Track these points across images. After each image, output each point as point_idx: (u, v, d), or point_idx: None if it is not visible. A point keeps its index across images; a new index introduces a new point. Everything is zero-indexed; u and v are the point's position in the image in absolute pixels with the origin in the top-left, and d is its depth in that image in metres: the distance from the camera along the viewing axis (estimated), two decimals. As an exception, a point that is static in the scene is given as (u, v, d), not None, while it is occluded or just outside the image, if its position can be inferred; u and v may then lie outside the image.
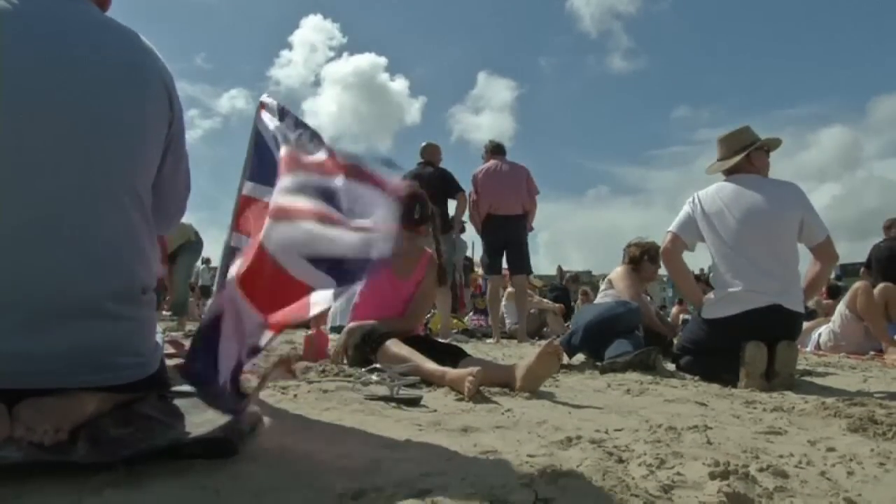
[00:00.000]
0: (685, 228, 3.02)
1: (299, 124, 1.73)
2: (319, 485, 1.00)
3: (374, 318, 2.72)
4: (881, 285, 4.96)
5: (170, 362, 1.46)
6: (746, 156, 3.01)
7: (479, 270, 8.28)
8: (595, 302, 4.11)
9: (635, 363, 2.99)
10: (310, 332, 3.27)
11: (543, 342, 2.24)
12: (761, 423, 1.73)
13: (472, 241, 9.53)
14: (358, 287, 1.18)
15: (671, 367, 3.15)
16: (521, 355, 3.44)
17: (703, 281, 5.56)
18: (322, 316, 2.83)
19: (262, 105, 1.93)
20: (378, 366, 2.24)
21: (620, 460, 1.20)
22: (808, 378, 3.07)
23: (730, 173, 3.06)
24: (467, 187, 5.86)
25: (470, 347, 3.85)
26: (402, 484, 0.99)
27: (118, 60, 1.22)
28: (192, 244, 6.69)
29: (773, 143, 3.12)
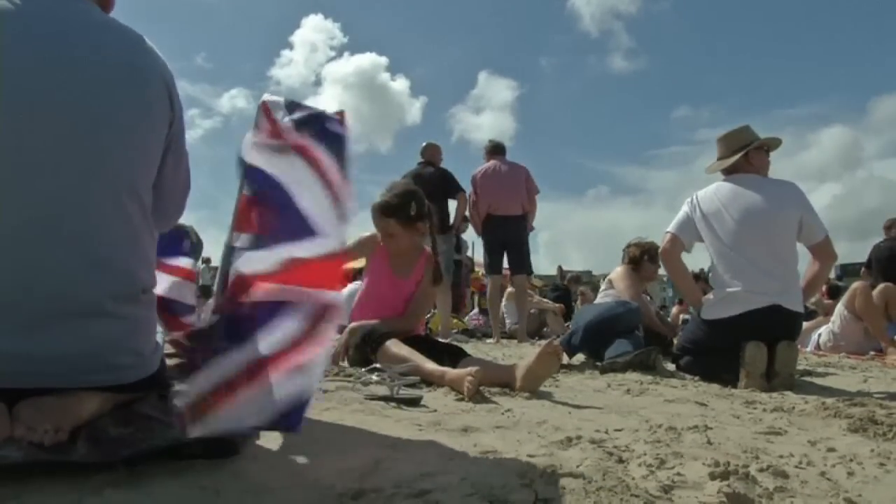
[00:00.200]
0: (684, 229, 3.01)
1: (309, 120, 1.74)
2: (319, 485, 1.00)
3: (374, 318, 2.72)
4: (881, 285, 4.96)
5: (170, 362, 1.46)
6: (745, 155, 3.01)
7: (481, 270, 8.29)
8: (595, 302, 4.11)
9: (635, 363, 2.99)
10: None
11: (543, 342, 2.24)
12: (761, 423, 1.73)
13: (472, 241, 9.53)
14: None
15: (671, 367, 3.15)
16: (521, 355, 3.44)
17: (703, 280, 5.56)
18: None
19: (264, 105, 1.93)
20: (378, 366, 2.24)
21: (620, 460, 1.20)
22: (808, 378, 3.07)
23: (728, 173, 3.06)
24: (468, 187, 5.86)
25: (470, 347, 3.85)
26: (402, 484, 0.99)
27: (119, 60, 1.22)
28: (193, 244, 6.70)
29: (773, 143, 3.12)
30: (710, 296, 2.99)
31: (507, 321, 6.82)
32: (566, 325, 6.72)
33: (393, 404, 1.80)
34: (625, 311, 3.45)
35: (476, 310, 8.49)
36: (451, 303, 6.05)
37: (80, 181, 1.14)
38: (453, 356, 2.44)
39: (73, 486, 0.93)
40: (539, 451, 1.26)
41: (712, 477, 1.07)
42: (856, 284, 5.09)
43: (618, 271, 4.07)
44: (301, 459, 1.17)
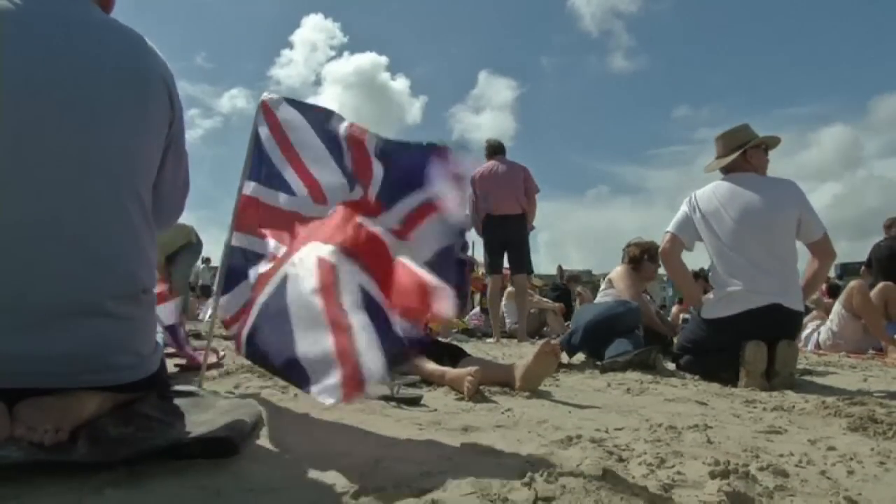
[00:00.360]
0: (683, 228, 3.01)
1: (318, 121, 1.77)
2: (319, 484, 1.00)
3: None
4: (881, 284, 4.96)
5: (171, 361, 1.46)
6: (743, 154, 3.00)
7: (481, 270, 8.28)
8: (595, 301, 4.11)
9: (635, 363, 2.99)
10: None
11: (543, 342, 2.24)
12: (761, 422, 1.73)
13: (472, 241, 9.51)
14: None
15: (671, 366, 3.15)
16: (521, 355, 3.44)
17: (703, 279, 5.56)
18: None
19: (264, 104, 1.93)
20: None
21: (621, 459, 1.20)
22: (808, 377, 3.07)
23: (727, 172, 3.05)
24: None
25: (470, 347, 3.85)
26: (402, 483, 0.99)
27: (119, 60, 1.22)
28: (193, 245, 6.70)
29: (772, 142, 3.11)
30: (711, 295, 2.98)
31: (507, 321, 6.81)
32: (566, 324, 6.72)
33: (393, 404, 1.80)
34: (625, 311, 3.44)
35: (477, 309, 8.49)
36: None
37: (81, 181, 1.14)
38: (453, 356, 2.44)
39: (74, 485, 0.93)
40: (539, 451, 1.27)
41: (712, 476, 1.07)
42: (852, 284, 5.09)
43: (618, 271, 4.06)
44: (301, 459, 1.16)
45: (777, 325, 2.71)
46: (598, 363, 3.19)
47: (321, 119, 1.78)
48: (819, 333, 5.22)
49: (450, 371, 2.15)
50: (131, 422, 1.12)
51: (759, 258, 2.77)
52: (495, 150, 5.90)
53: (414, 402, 1.84)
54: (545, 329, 7.19)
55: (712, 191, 2.98)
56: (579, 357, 3.62)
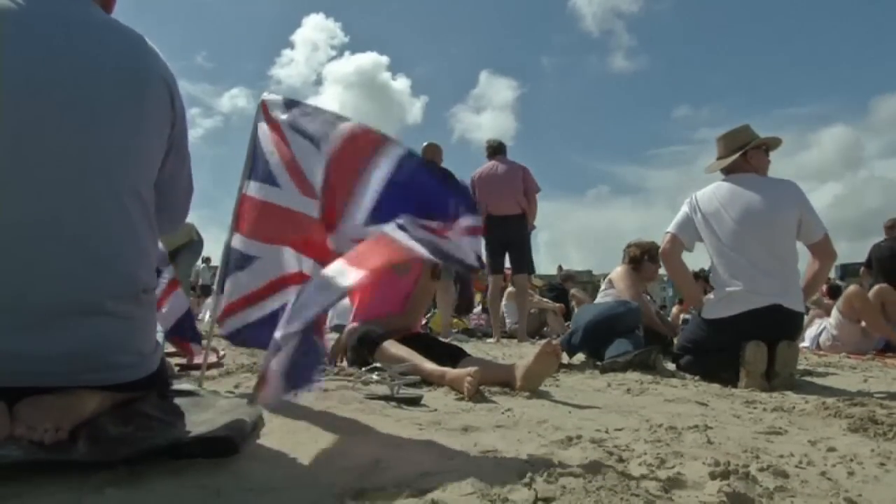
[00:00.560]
0: (683, 229, 3.01)
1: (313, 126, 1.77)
2: (319, 484, 1.00)
3: (374, 315, 2.73)
4: (877, 287, 4.94)
5: (171, 361, 1.46)
6: (743, 154, 3.00)
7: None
8: (596, 301, 4.11)
9: (636, 363, 2.99)
10: None
11: (543, 342, 2.24)
12: (762, 422, 1.73)
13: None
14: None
15: (671, 366, 3.15)
16: (521, 355, 3.44)
17: (703, 279, 5.56)
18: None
19: (265, 104, 1.93)
20: (378, 365, 2.24)
21: (621, 460, 1.20)
22: (808, 378, 3.06)
23: (728, 172, 3.05)
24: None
25: (470, 347, 3.85)
26: (402, 483, 0.99)
27: (119, 60, 1.22)
28: (194, 244, 6.70)
29: (773, 143, 3.11)
30: (711, 295, 2.98)
31: (508, 321, 6.81)
32: (566, 324, 6.71)
33: (393, 404, 1.80)
34: (625, 311, 3.44)
35: (479, 307, 8.49)
36: (451, 302, 6.03)
37: (81, 181, 1.14)
38: (453, 356, 2.44)
39: (74, 484, 0.93)
40: (539, 451, 1.27)
41: (712, 476, 1.07)
42: (850, 290, 5.07)
43: (618, 271, 4.06)
44: (301, 459, 1.17)
45: (777, 325, 2.71)
46: (599, 363, 3.19)
47: (319, 120, 1.79)
48: (821, 334, 5.21)
49: (450, 371, 2.15)
50: (131, 421, 1.12)
51: (760, 259, 2.77)
52: (495, 150, 5.90)
53: (414, 402, 1.84)
54: (545, 329, 7.19)
55: (713, 191, 2.98)
56: (579, 357, 3.62)
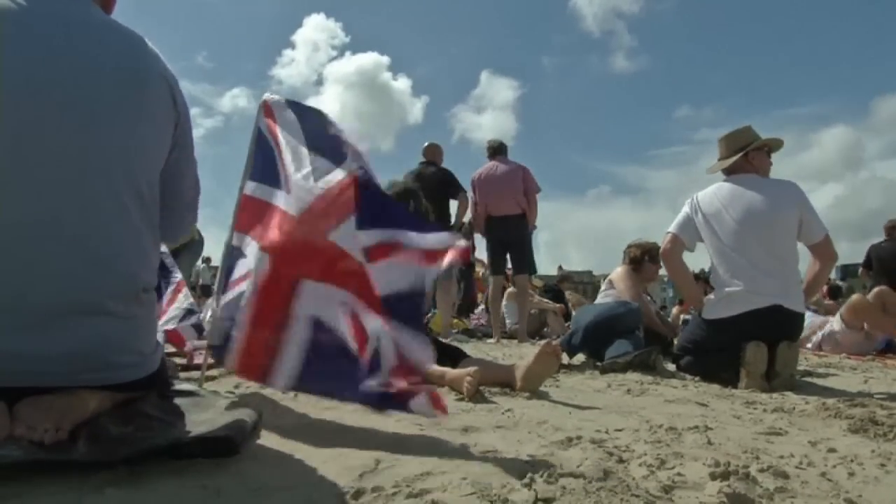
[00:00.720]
0: (684, 229, 3.01)
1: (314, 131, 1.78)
2: (319, 484, 1.00)
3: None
4: (876, 289, 4.93)
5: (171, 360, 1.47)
6: (745, 155, 3.00)
7: (482, 270, 8.28)
8: (596, 302, 4.11)
9: (636, 363, 2.99)
10: None
11: (544, 342, 2.24)
12: (762, 423, 1.73)
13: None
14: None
15: (671, 367, 3.15)
16: (522, 355, 3.44)
17: (703, 280, 5.56)
18: None
19: (266, 104, 1.93)
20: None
21: (621, 460, 1.20)
22: (808, 379, 3.06)
23: (729, 173, 3.05)
24: (468, 187, 5.87)
25: (470, 347, 3.85)
26: (402, 484, 0.99)
27: (119, 61, 1.22)
28: (195, 243, 6.68)
29: (774, 144, 3.11)
30: (712, 296, 2.98)
31: (508, 321, 6.81)
32: (566, 325, 6.71)
33: (393, 404, 1.79)
34: (625, 312, 3.44)
35: (482, 307, 8.48)
36: (451, 302, 6.03)
37: (81, 181, 1.14)
38: (453, 356, 2.44)
39: (74, 484, 0.93)
40: (539, 451, 1.26)
41: (713, 477, 1.07)
42: (852, 298, 5.04)
43: (618, 271, 4.06)
44: (301, 459, 1.17)
45: (778, 326, 2.71)
46: (599, 364, 3.19)
47: (317, 122, 1.80)
48: (824, 333, 5.20)
49: (450, 371, 2.15)
50: (131, 421, 1.12)
51: (760, 259, 2.77)
52: (496, 150, 5.90)
53: (414, 402, 1.83)
54: (545, 330, 7.19)
55: (714, 192, 2.98)
56: (580, 358, 3.62)
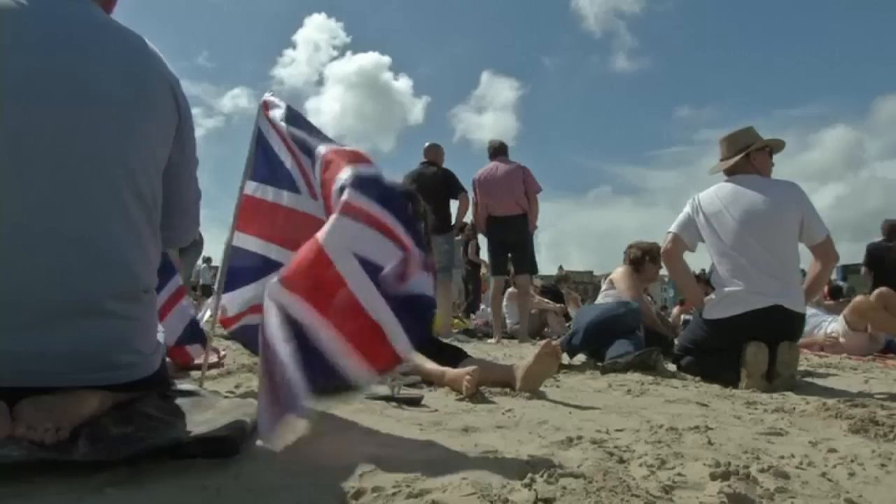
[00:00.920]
0: (685, 229, 3.01)
1: (306, 127, 1.76)
2: (320, 484, 1.00)
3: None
4: (878, 291, 4.92)
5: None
6: (746, 156, 3.00)
7: (486, 271, 8.28)
8: (596, 302, 4.11)
9: (636, 364, 2.99)
10: None
11: (544, 342, 2.24)
12: (762, 423, 1.72)
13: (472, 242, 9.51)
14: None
15: (672, 367, 3.15)
16: (522, 355, 3.44)
17: (704, 281, 5.56)
18: None
19: (266, 104, 1.93)
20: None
21: (621, 461, 1.20)
22: (809, 379, 3.06)
23: (731, 174, 3.05)
24: (469, 188, 5.88)
25: (471, 347, 3.85)
26: (402, 484, 0.99)
27: (120, 61, 1.22)
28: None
29: (776, 145, 3.11)
30: (712, 296, 2.98)
31: (508, 321, 6.81)
32: (567, 325, 6.71)
33: (393, 404, 1.80)
34: (626, 312, 3.44)
35: (485, 306, 8.49)
36: (452, 302, 6.03)
37: (81, 181, 1.14)
38: (453, 356, 2.44)
39: (74, 485, 0.93)
40: (540, 452, 1.26)
41: (713, 477, 1.07)
42: (856, 300, 5.03)
43: (619, 272, 4.06)
44: (301, 459, 1.16)
45: (778, 326, 2.71)
46: (599, 364, 3.19)
47: (313, 128, 1.80)
48: (828, 328, 5.18)
49: (450, 371, 2.15)
50: (132, 421, 1.12)
51: (761, 259, 2.77)
52: (497, 150, 5.91)
53: (414, 402, 1.84)
54: (546, 330, 7.19)
55: (715, 192, 2.99)
56: (580, 358, 3.62)
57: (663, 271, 3.70)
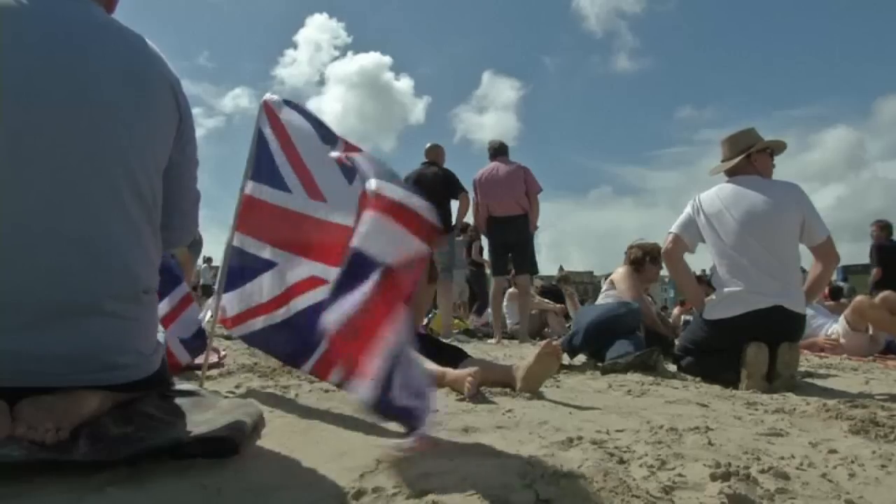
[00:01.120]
0: (686, 229, 3.02)
1: (313, 122, 1.78)
2: (319, 484, 1.00)
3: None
4: (882, 294, 4.91)
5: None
6: (747, 157, 3.00)
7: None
8: (596, 303, 4.11)
9: (636, 364, 2.99)
10: None
11: (544, 342, 2.24)
12: (762, 424, 1.72)
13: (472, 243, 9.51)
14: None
15: (672, 368, 3.15)
16: (522, 355, 3.44)
17: (705, 282, 5.55)
18: None
19: (266, 104, 1.94)
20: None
21: (621, 461, 1.20)
22: (809, 379, 3.06)
23: (732, 174, 3.05)
24: (469, 188, 5.88)
25: (471, 348, 3.85)
26: (402, 484, 0.99)
27: (120, 61, 1.22)
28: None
29: (777, 146, 3.11)
30: (713, 296, 2.98)
31: (508, 321, 6.81)
32: (567, 325, 6.71)
33: (394, 404, 1.79)
34: (626, 312, 3.44)
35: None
36: (452, 302, 6.03)
37: (81, 181, 1.14)
38: (453, 357, 2.44)
39: (75, 484, 0.93)
40: (540, 452, 1.26)
41: (713, 478, 1.07)
42: (857, 300, 5.02)
43: (619, 272, 4.06)
44: (301, 459, 1.17)
45: (779, 326, 2.71)
46: (599, 364, 3.19)
47: (318, 123, 1.81)
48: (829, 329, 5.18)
49: (450, 372, 2.15)
50: (132, 421, 1.12)
51: (762, 260, 2.77)
52: (497, 151, 5.91)
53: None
54: (546, 330, 7.19)
55: (716, 192, 2.99)
56: (580, 358, 3.62)
57: (664, 272, 3.70)
